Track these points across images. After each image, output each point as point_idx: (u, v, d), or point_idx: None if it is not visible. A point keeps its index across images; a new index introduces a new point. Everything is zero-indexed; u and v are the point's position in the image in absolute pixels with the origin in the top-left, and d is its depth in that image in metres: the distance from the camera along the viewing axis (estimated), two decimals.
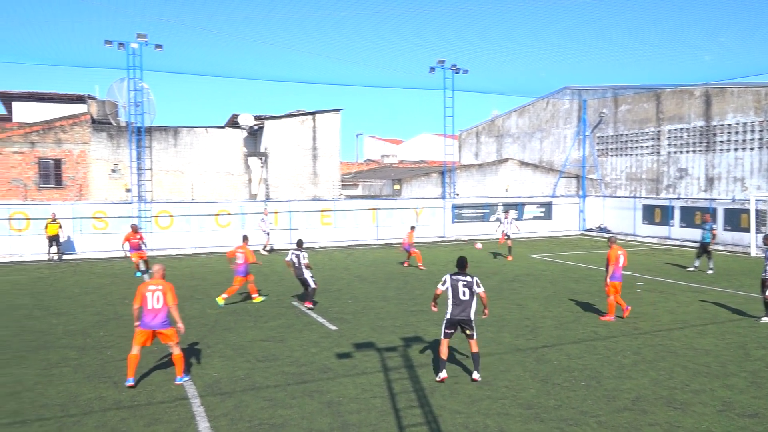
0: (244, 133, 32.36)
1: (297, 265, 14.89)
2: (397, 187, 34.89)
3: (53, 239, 24.37)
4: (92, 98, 32.05)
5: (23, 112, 31.53)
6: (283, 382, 9.43)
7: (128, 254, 20.55)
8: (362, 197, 36.87)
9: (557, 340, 11.83)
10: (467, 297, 9.34)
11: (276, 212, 28.72)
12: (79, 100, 32.09)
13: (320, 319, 13.64)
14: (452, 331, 9.49)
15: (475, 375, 9.41)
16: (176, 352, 9.42)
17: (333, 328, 12.88)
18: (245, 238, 16.20)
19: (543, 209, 34.95)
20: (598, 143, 38.33)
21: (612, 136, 37.45)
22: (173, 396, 8.81)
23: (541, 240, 31.66)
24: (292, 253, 15.00)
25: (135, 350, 9.25)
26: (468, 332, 9.46)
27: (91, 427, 7.71)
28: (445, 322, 9.50)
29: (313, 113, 33.21)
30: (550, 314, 14.08)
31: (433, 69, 30.87)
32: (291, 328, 12.88)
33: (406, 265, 22.12)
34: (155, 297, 9.28)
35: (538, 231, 33.88)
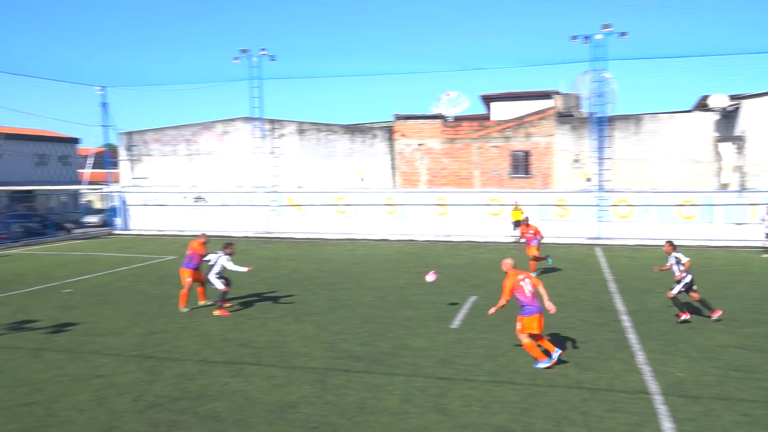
0: (715, 116, 29.19)
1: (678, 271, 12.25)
2: None
3: (517, 224, 27.05)
4: (557, 93, 33.88)
5: (499, 111, 35.53)
6: (763, 398, 8.14)
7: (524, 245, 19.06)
8: None
9: None
10: None
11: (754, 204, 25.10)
12: (546, 96, 34.33)
13: None
14: None
15: None
16: (526, 341, 9.43)
17: None
18: None
19: None
20: None
21: None
22: (634, 388, 8.60)
23: None
24: (675, 256, 12.33)
25: (527, 339, 9.41)
26: None
27: (555, 400, 8.15)
28: None
29: None
30: None
31: None
32: None
33: None
34: (528, 283, 9.54)
35: None
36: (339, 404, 8.11)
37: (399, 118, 33.71)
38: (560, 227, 27.62)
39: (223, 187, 34.01)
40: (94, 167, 39.85)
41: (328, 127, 33.58)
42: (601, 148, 28.27)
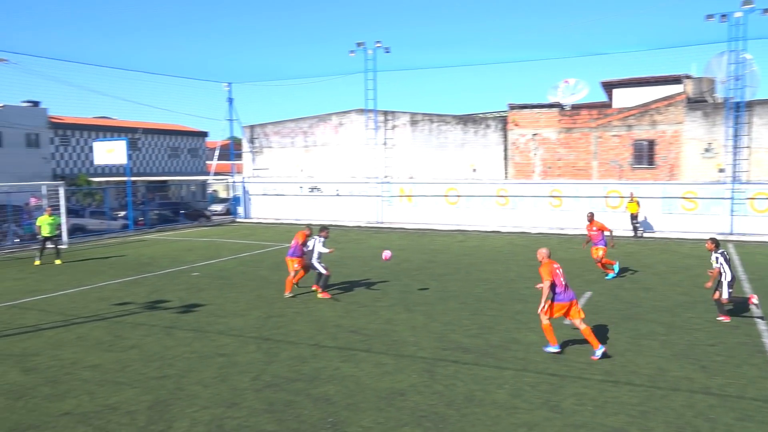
0: None
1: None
2: None
3: (633, 217, 25.66)
4: (688, 77, 31.53)
5: (622, 98, 33.61)
6: None
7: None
8: None
9: None
10: None
11: None
12: (675, 80, 32.01)
13: None
14: None
15: None
16: (583, 327, 9.68)
17: None
18: None
19: None
20: None
21: None
22: None
23: None
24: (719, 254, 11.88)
25: (546, 320, 9.69)
26: None
27: (678, 405, 7.65)
28: None
29: None
30: None
31: None
32: None
33: None
34: (561, 273, 9.76)
35: None
36: (447, 395, 8.09)
37: (513, 107, 32.93)
38: (688, 221, 25.81)
39: (337, 178, 34.96)
40: (219, 159, 42.36)
41: (441, 118, 33.48)
42: (737, 136, 26.03)
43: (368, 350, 10.10)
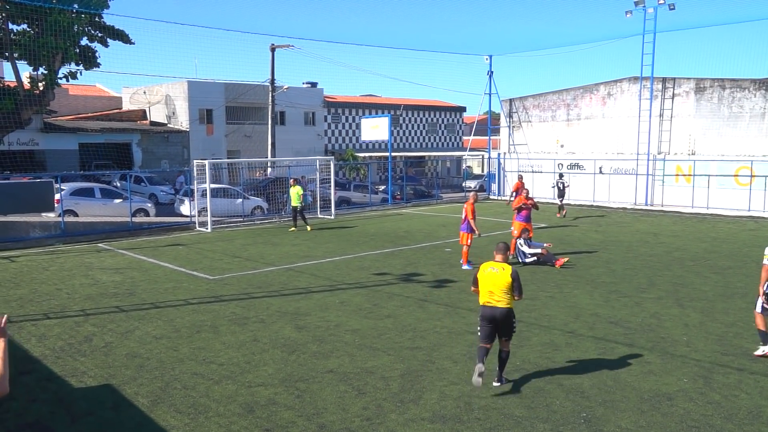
0: None
1: None
2: None
3: None
4: None
5: None
6: None
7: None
8: None
9: None
10: None
11: None
12: None
13: None
14: None
15: None
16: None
17: None
18: None
19: None
20: None
21: None
22: None
23: None
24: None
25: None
26: None
27: None
28: None
29: None
30: None
31: None
32: None
33: None
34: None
35: None
36: (727, 407, 6.95)
37: None
38: None
39: (601, 154, 32.64)
40: (475, 134, 42.71)
41: (736, 83, 28.71)
42: None
43: (630, 345, 9.15)
